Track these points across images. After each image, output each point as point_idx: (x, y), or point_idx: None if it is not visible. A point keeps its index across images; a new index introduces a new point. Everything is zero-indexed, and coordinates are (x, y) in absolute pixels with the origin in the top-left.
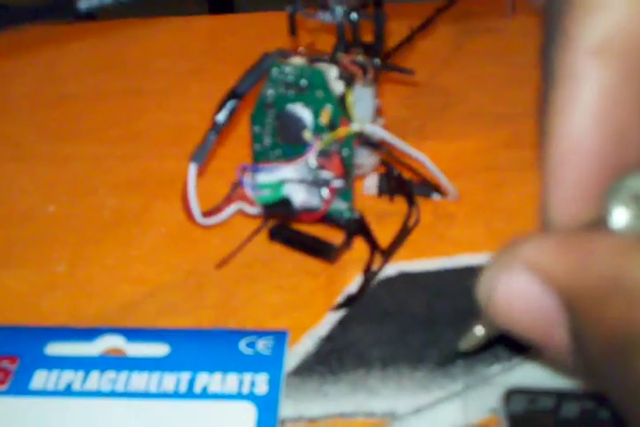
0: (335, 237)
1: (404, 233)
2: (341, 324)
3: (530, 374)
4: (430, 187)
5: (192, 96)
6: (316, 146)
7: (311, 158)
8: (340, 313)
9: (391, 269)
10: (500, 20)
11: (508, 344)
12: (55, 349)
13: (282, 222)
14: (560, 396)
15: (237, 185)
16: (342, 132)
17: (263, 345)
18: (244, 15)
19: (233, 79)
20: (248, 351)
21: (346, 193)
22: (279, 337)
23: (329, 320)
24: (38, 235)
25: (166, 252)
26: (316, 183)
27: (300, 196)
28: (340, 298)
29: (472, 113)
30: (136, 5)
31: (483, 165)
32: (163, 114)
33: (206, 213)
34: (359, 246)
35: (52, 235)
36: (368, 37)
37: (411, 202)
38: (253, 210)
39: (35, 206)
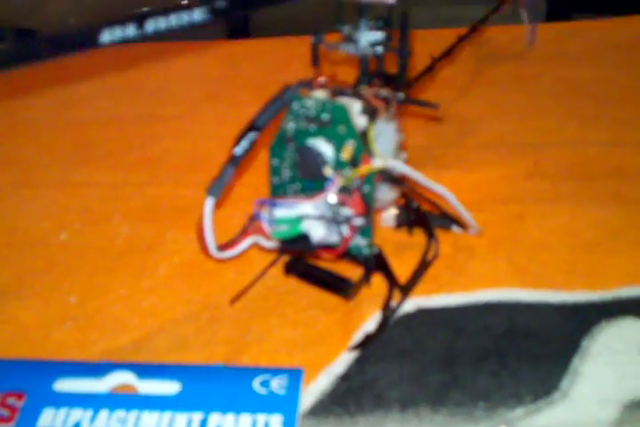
0: (352, 271)
1: (422, 267)
2: (358, 362)
3: (557, 418)
4: (450, 219)
5: (208, 122)
6: (337, 182)
7: (331, 195)
8: (357, 351)
9: (409, 304)
10: (521, 47)
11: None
12: (64, 385)
13: (297, 256)
14: None
15: (254, 219)
16: (365, 169)
17: (277, 384)
18: (261, 41)
19: (250, 105)
20: (262, 391)
21: (366, 230)
22: (294, 375)
23: (345, 358)
24: (50, 264)
25: (179, 283)
26: (336, 220)
27: (318, 232)
28: (357, 335)
29: (492, 142)
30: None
31: (503, 196)
32: (178, 140)
33: (222, 247)
34: (376, 280)
35: (63, 264)
36: (389, 67)
37: (430, 235)
38: (270, 244)
39: (47, 234)
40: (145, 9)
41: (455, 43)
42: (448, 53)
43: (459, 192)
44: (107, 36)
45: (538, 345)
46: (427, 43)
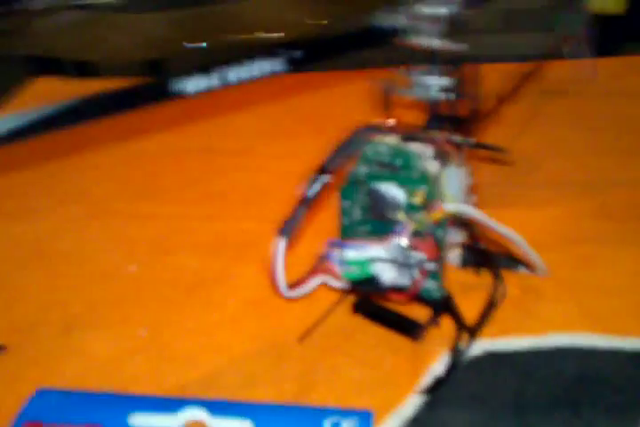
0: (418, 311)
1: (489, 308)
2: (427, 406)
3: None
4: (516, 260)
5: (268, 156)
6: (409, 227)
7: (403, 239)
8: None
9: (477, 347)
10: (579, 82)
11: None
12: (138, 419)
13: (365, 295)
14: None
15: (324, 258)
16: (438, 215)
17: (348, 426)
18: (322, 74)
19: (309, 140)
20: None
21: (436, 273)
22: (364, 418)
23: (414, 401)
24: (120, 295)
25: (247, 319)
26: (407, 264)
27: (389, 275)
28: (425, 377)
29: (553, 180)
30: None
31: (570, 236)
32: (241, 174)
33: (291, 286)
34: (443, 321)
35: (133, 296)
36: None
37: (496, 275)
38: (339, 284)
39: (116, 266)
40: (222, 57)
41: (519, 83)
42: (512, 95)
43: (523, 232)
44: (190, 86)
45: (611, 394)
46: (484, 77)
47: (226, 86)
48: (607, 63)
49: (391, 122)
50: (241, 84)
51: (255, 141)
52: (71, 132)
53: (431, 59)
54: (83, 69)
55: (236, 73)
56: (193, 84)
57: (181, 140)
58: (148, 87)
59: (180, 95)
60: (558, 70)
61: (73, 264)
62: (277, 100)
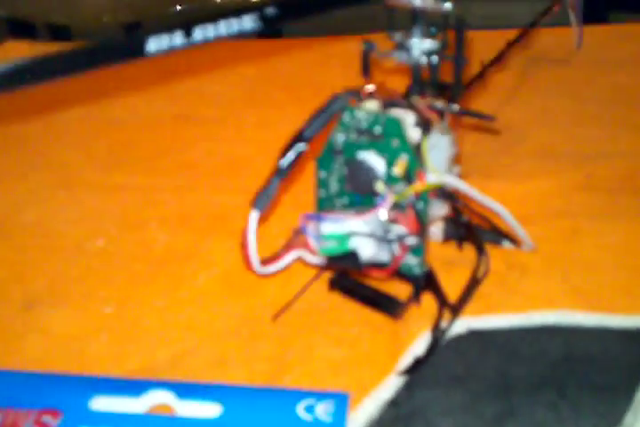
0: (399, 288)
1: (473, 285)
2: (406, 387)
3: None
4: (501, 234)
5: (245, 124)
6: (390, 199)
7: (383, 212)
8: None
9: (460, 325)
10: (568, 50)
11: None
12: (100, 403)
13: (342, 271)
14: None
15: (299, 233)
16: (420, 186)
17: (323, 410)
18: (297, 40)
19: (287, 107)
20: (307, 417)
21: (418, 248)
22: (340, 400)
23: (393, 382)
24: (85, 271)
25: (219, 295)
26: (387, 238)
27: (368, 250)
28: (405, 356)
29: (540, 151)
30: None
31: (556, 209)
32: (215, 143)
33: (265, 261)
34: (424, 298)
35: (99, 271)
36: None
37: (480, 250)
38: (315, 259)
39: (83, 239)
40: (192, 15)
41: (505, 49)
42: (498, 60)
43: (507, 204)
44: (153, 45)
45: (598, 374)
46: (472, 45)
47: (191, 45)
48: (593, 31)
49: (372, 87)
50: (208, 42)
51: (230, 109)
52: (37, 97)
53: (416, 20)
54: (55, 33)
55: (202, 31)
56: (155, 42)
57: (153, 108)
58: (107, 46)
59: (143, 55)
60: (545, 38)
61: (36, 237)
62: (255, 66)
